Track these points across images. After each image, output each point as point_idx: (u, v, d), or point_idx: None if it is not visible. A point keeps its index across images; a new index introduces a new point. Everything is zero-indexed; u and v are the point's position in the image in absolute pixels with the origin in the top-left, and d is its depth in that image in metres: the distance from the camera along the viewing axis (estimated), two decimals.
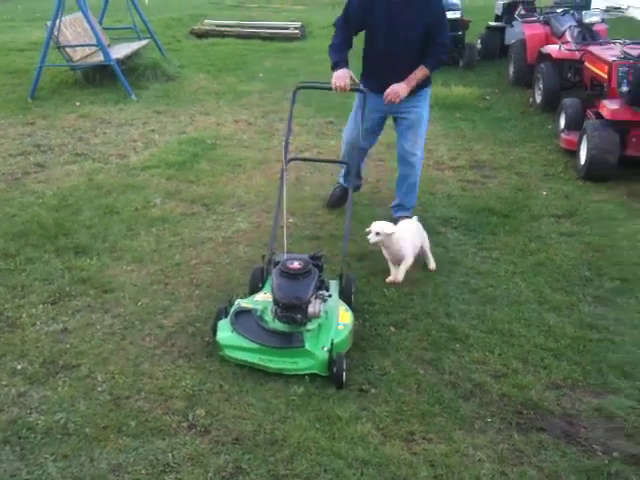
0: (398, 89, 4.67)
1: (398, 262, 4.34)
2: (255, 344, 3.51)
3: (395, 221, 4.86)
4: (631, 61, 6.32)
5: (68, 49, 8.93)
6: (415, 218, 4.63)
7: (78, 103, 8.60)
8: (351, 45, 4.85)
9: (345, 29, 4.81)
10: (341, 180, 5.49)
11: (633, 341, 3.84)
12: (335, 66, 4.67)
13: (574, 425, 3.20)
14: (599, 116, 6.35)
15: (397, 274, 4.32)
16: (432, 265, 4.55)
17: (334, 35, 4.84)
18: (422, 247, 4.50)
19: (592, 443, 3.08)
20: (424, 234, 4.55)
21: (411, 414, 3.24)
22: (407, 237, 4.31)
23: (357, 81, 4.69)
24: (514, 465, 2.95)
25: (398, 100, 4.69)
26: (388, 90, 4.68)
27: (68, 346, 3.71)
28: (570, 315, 4.10)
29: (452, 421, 3.21)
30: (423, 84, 4.86)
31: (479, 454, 3.00)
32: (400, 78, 4.69)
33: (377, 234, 4.20)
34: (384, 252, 4.35)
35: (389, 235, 4.21)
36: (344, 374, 3.37)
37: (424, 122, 5.04)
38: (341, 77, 4.58)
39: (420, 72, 4.72)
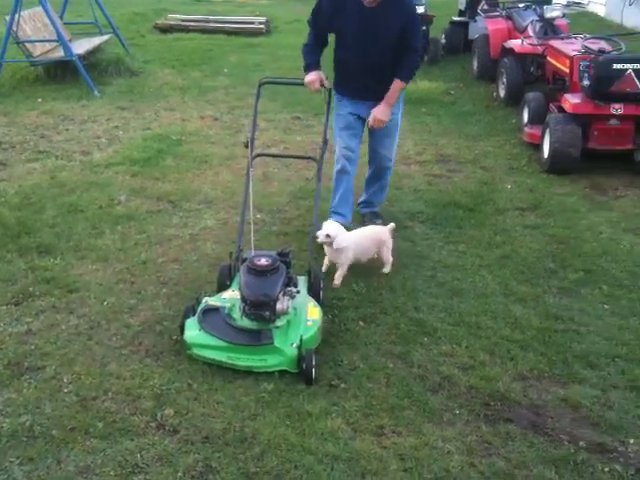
0: (380, 116, 4.61)
1: (333, 262, 4.37)
2: (223, 342, 3.48)
3: (363, 217, 4.86)
4: (592, 55, 6.41)
5: (28, 44, 8.78)
6: (390, 226, 4.56)
7: (40, 99, 8.46)
8: (326, 43, 4.75)
9: (317, 28, 4.69)
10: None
11: (597, 331, 3.90)
12: (306, 68, 4.61)
13: (541, 415, 3.25)
14: (561, 110, 6.44)
15: (335, 280, 4.31)
16: (386, 269, 4.51)
17: (308, 34, 4.75)
18: (378, 253, 4.49)
19: (559, 433, 3.13)
20: (387, 242, 4.49)
21: (380, 408, 3.26)
22: (351, 249, 4.30)
23: (326, 84, 4.60)
24: (482, 456, 2.98)
25: (384, 125, 4.67)
26: (371, 119, 4.64)
27: (33, 347, 3.65)
28: (535, 307, 4.15)
29: (421, 414, 3.23)
30: None
31: (448, 446, 3.03)
32: (373, 84, 4.62)
33: (327, 236, 4.18)
34: (325, 248, 4.34)
35: (335, 243, 4.21)
36: (313, 370, 3.38)
37: (399, 126, 4.99)
38: (311, 82, 4.55)
39: (397, 86, 4.60)
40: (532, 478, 2.87)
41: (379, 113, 4.61)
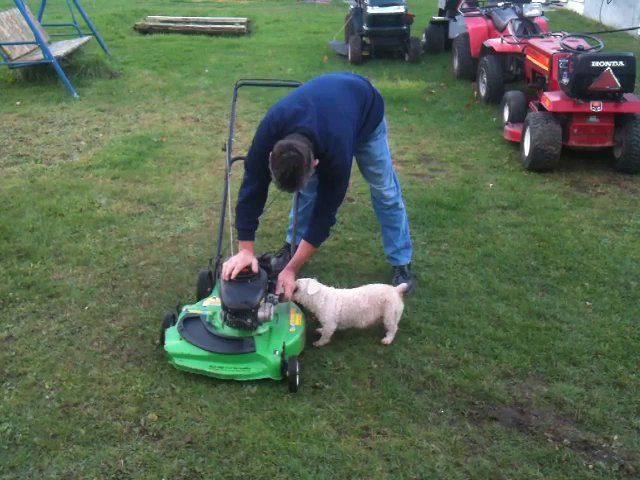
0: (288, 281, 3.75)
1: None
2: (205, 351, 3.43)
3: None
4: (571, 53, 6.46)
5: (6, 47, 8.68)
6: (399, 287, 3.84)
7: (18, 102, 8.38)
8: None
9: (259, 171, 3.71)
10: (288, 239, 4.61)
11: (580, 328, 3.92)
12: (239, 236, 3.79)
13: (525, 413, 3.25)
14: (541, 108, 6.47)
15: (315, 342, 3.74)
16: (387, 339, 3.77)
17: (243, 183, 3.80)
18: (383, 317, 3.75)
19: (543, 431, 3.13)
20: (393, 304, 3.72)
21: (365, 409, 3.26)
22: (335, 307, 3.69)
23: (254, 270, 3.62)
24: (468, 456, 2.99)
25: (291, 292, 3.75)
26: (287, 289, 3.72)
27: (13, 354, 3.61)
28: (518, 304, 4.17)
29: (406, 414, 3.23)
30: (376, 120, 3.99)
31: (433, 446, 3.03)
32: None
33: (296, 289, 3.73)
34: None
35: (306, 295, 3.72)
36: (297, 377, 3.34)
37: (386, 154, 4.16)
38: (234, 262, 3.60)
39: (303, 251, 3.84)
40: (517, 477, 2.88)
41: (287, 279, 3.75)
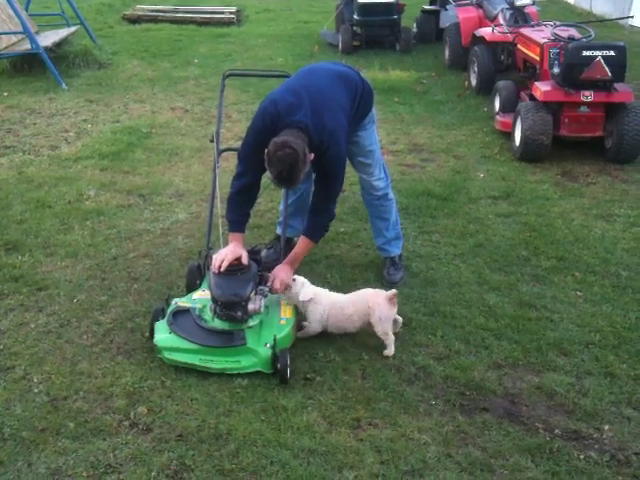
0: (282, 275, 3.68)
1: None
2: (195, 345, 3.41)
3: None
4: (562, 43, 6.44)
5: None
6: (389, 293, 3.61)
7: (6, 93, 8.29)
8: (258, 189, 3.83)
9: (252, 164, 3.70)
10: (278, 231, 4.58)
11: (570, 318, 3.92)
12: (230, 228, 3.76)
13: (516, 404, 3.26)
14: (532, 98, 6.46)
15: (301, 331, 3.72)
16: (387, 351, 3.59)
17: (236, 175, 3.76)
18: (371, 324, 3.59)
19: (534, 421, 3.14)
20: (378, 311, 3.55)
21: (356, 400, 3.25)
22: (323, 311, 3.62)
23: (244, 263, 3.59)
24: (459, 447, 2.99)
25: (287, 288, 3.69)
26: (276, 282, 3.66)
27: (1, 347, 3.59)
28: (509, 295, 4.16)
29: (397, 405, 3.23)
30: (366, 111, 3.99)
31: (424, 437, 3.03)
32: None
33: (287, 285, 3.65)
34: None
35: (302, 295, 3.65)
36: (288, 370, 3.32)
37: (375, 144, 4.16)
38: (224, 254, 3.57)
39: (302, 246, 3.80)
40: (508, 467, 2.88)
41: (281, 272, 3.69)
